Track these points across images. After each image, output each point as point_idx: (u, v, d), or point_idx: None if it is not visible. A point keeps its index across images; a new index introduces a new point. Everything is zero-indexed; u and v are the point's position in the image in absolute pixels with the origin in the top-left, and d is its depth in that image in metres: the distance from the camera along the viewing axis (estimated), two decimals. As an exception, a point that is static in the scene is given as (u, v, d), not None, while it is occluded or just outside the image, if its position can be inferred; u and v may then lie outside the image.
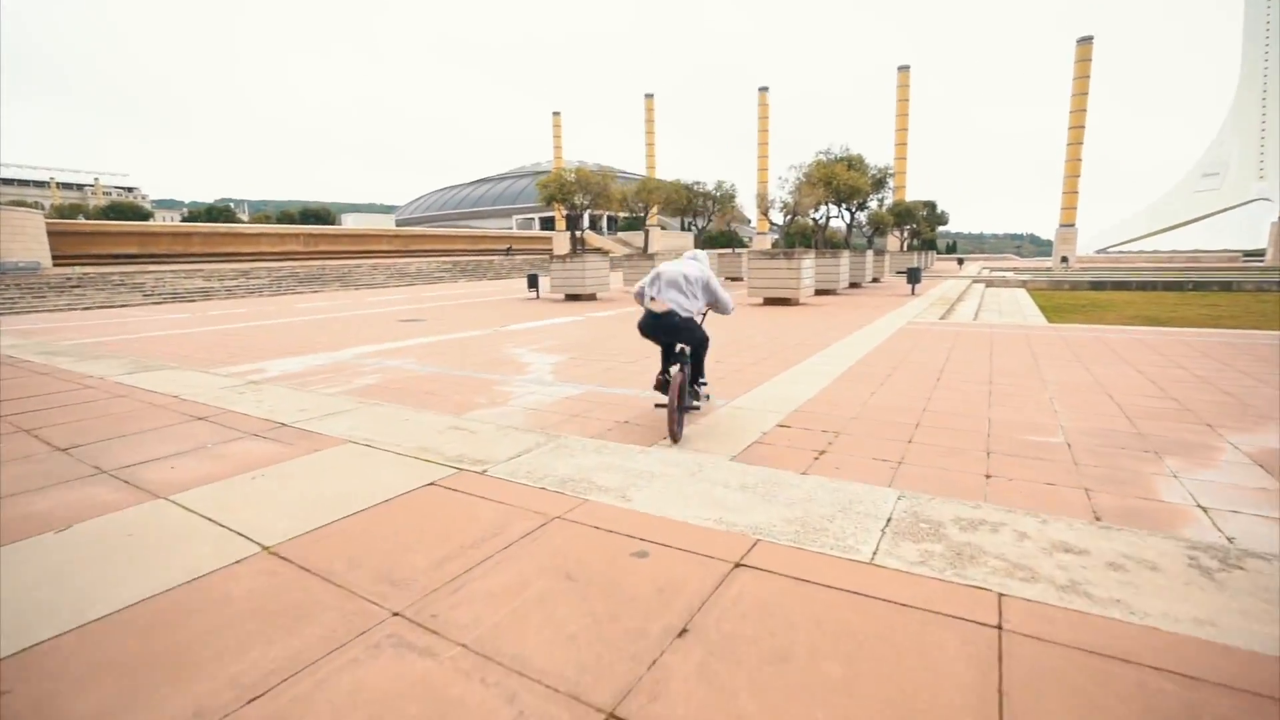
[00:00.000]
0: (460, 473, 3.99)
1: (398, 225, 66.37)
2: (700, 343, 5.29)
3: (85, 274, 25.01)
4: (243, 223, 58.77)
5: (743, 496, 3.53)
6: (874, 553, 2.95)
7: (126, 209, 55.86)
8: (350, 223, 57.94)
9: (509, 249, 59.58)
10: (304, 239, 40.79)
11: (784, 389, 6.78)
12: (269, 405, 6.00)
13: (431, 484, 3.85)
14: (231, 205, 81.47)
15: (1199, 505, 3.65)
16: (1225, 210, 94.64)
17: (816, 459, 4.49)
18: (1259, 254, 63.27)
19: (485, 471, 3.97)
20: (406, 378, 7.81)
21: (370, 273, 37.17)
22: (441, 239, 52.51)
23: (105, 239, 31.76)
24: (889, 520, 3.26)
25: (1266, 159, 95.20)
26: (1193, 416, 5.56)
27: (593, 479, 3.80)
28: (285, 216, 64.30)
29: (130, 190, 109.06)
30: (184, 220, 59.06)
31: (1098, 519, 3.44)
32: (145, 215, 57.72)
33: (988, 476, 4.09)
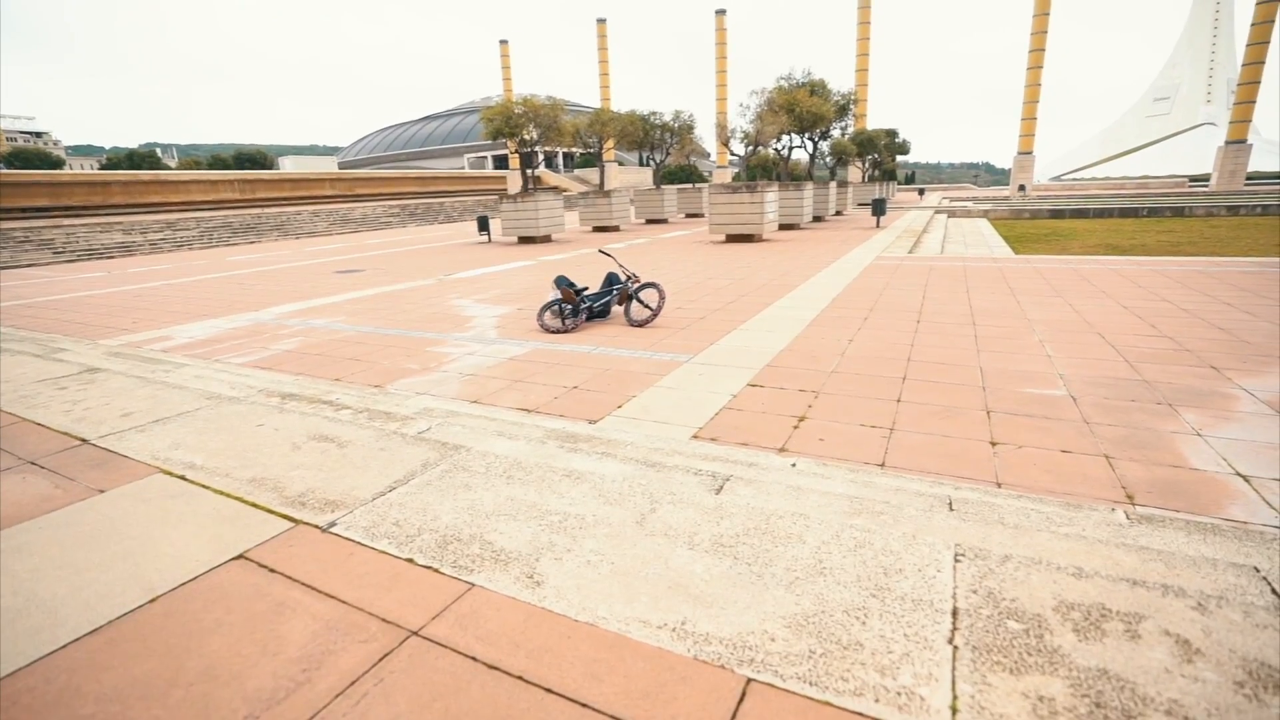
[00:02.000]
0: (294, 529, 2.72)
1: (341, 168, 62.94)
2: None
3: (-14, 229, 22.80)
4: (170, 169, 54.88)
5: (718, 566, 2.32)
6: (953, 708, 1.73)
7: (33, 156, 51.38)
8: (289, 167, 54.56)
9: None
10: (238, 185, 38.08)
11: (753, 339, 6.14)
12: (86, 407, 4.50)
13: (240, 556, 2.56)
14: (158, 151, 75.71)
15: (1238, 473, 3.14)
16: (1174, 135, 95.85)
17: (796, 428, 3.88)
18: (1204, 179, 64.37)
19: (332, 526, 2.70)
20: (330, 340, 6.94)
21: (311, 220, 35.11)
22: (388, 181, 49.88)
23: (8, 191, 28.98)
24: (955, 614, 2.05)
25: (1214, 82, 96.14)
26: (1193, 358, 5.10)
27: (490, 535, 2.57)
28: (218, 161, 60.19)
29: (39, 135, 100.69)
30: (103, 168, 54.71)
31: (1132, 500, 2.90)
32: (56, 163, 53.16)
33: (994, 444, 3.53)
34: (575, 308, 6.98)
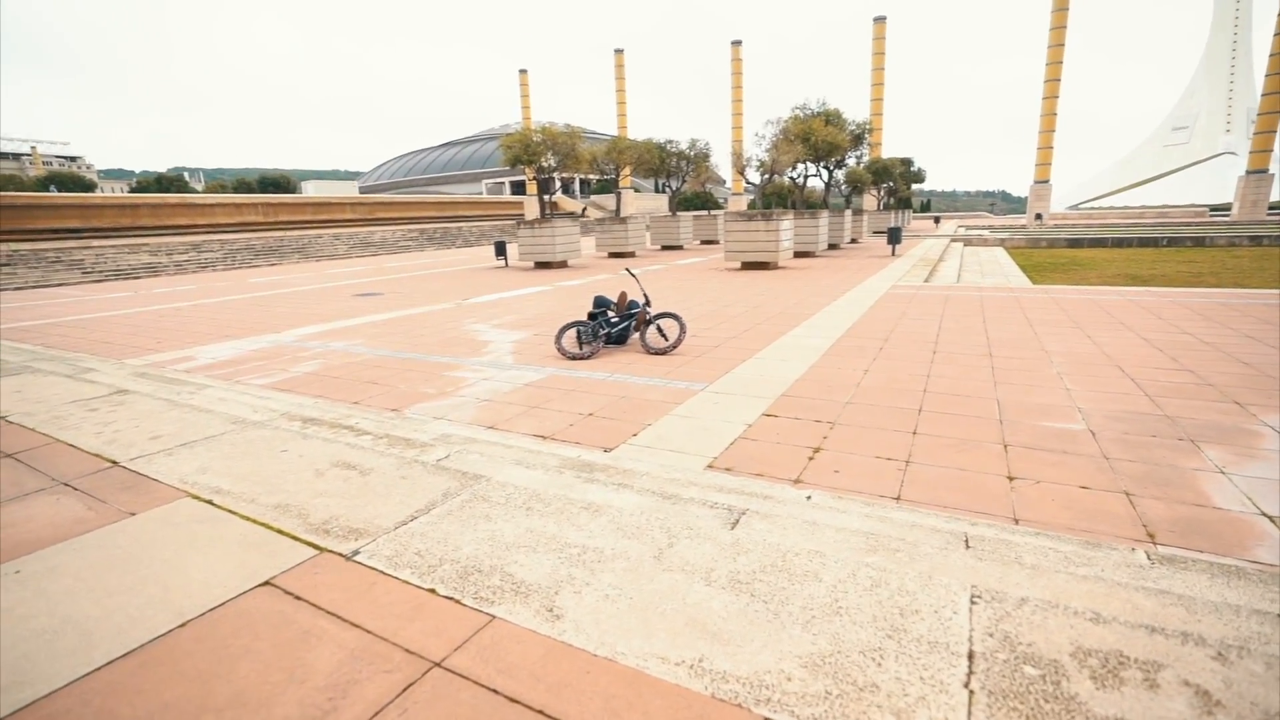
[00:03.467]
0: (319, 556, 2.74)
1: (361, 192, 64.17)
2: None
3: (16, 250, 23.44)
4: (196, 192, 56.19)
5: (735, 603, 2.32)
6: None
7: (67, 179, 52.86)
8: (312, 190, 55.66)
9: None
10: (262, 208, 38.92)
11: (768, 368, 6.15)
12: (116, 429, 4.54)
13: (267, 583, 2.58)
14: (185, 175, 77.24)
15: (1263, 513, 3.10)
16: (1193, 165, 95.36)
17: (811, 459, 3.88)
18: (1225, 208, 63.87)
19: (356, 554, 2.72)
20: (349, 363, 7.04)
21: (332, 243, 35.74)
22: (407, 206, 50.75)
23: (41, 213, 29.81)
24: (971, 658, 2.06)
25: (1234, 111, 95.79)
26: (1215, 392, 5.05)
27: (511, 567, 2.58)
28: (242, 185, 61.53)
29: (73, 160, 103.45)
30: (132, 191, 56.15)
31: (1153, 539, 2.87)
32: (88, 186, 54.61)
33: (1011, 479, 3.51)
34: (594, 330, 7.02)
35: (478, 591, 2.43)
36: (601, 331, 7.08)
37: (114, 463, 3.92)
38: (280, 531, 2.93)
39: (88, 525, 3.12)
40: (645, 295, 7.56)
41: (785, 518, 2.77)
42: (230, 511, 3.14)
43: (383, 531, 2.84)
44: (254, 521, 3.02)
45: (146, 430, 4.41)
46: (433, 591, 2.45)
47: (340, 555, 2.72)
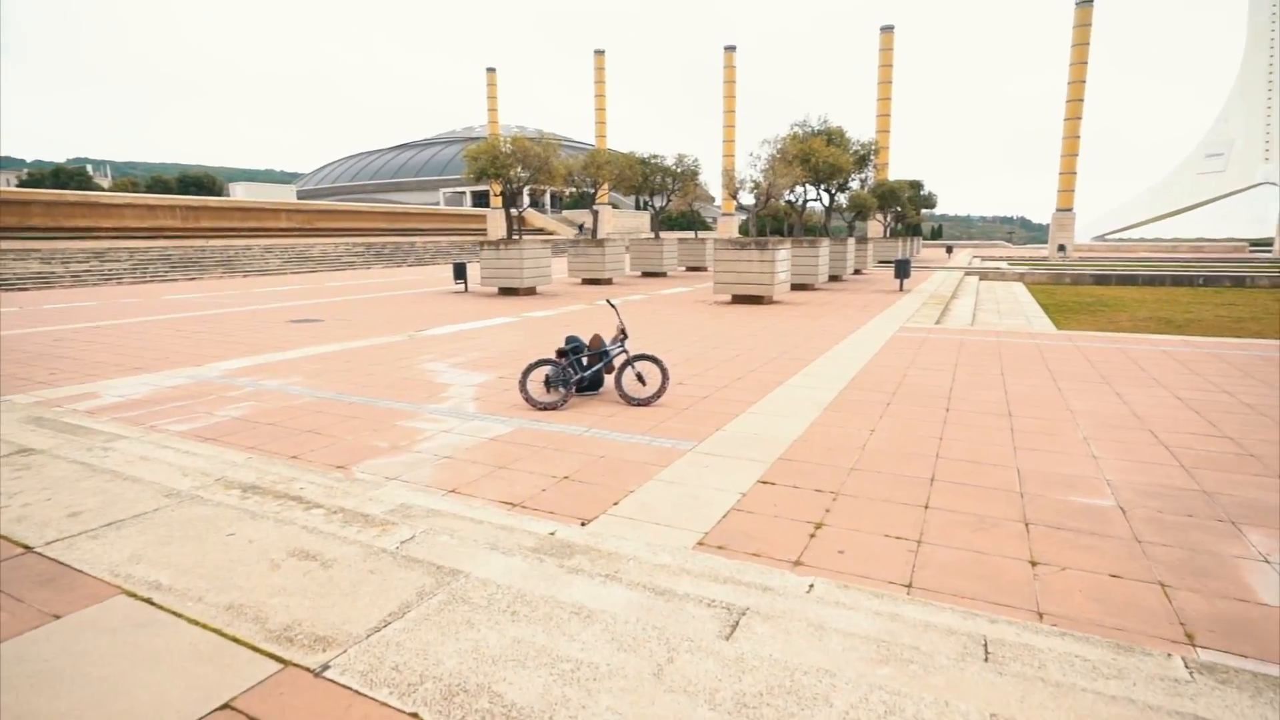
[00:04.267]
0: (284, 671, 2.64)
1: (300, 197, 64.04)
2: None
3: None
4: (101, 189, 55.55)
5: None
6: None
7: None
8: (241, 193, 55.52)
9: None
10: (181, 212, 38.60)
11: (764, 425, 6.26)
12: (25, 503, 4.26)
13: (226, 706, 2.47)
14: (89, 168, 75.61)
15: (1308, 610, 3.23)
16: (1230, 195, 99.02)
17: (813, 536, 3.96)
18: (1266, 244, 66.20)
19: (326, 668, 2.64)
20: (285, 407, 7.01)
21: (263, 256, 35.55)
22: (353, 215, 50.79)
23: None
24: None
25: (1272, 138, 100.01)
26: (1259, 464, 5.24)
27: (499, 686, 2.53)
28: (158, 184, 61.01)
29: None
30: (22, 185, 55.24)
31: (1192, 640, 2.97)
32: (-38, 177, 53.56)
33: (1033, 564, 3.61)
34: (564, 375, 6.99)
35: (465, 716, 2.41)
36: (574, 376, 7.09)
37: (27, 548, 3.74)
38: (237, 640, 2.84)
39: (3, 632, 2.96)
40: (623, 329, 7.51)
41: (788, 618, 2.83)
42: (175, 614, 3.03)
43: (354, 640, 2.80)
44: (204, 627, 2.94)
45: (62, 504, 4.24)
46: (415, 716, 2.43)
47: (309, 670, 2.66)
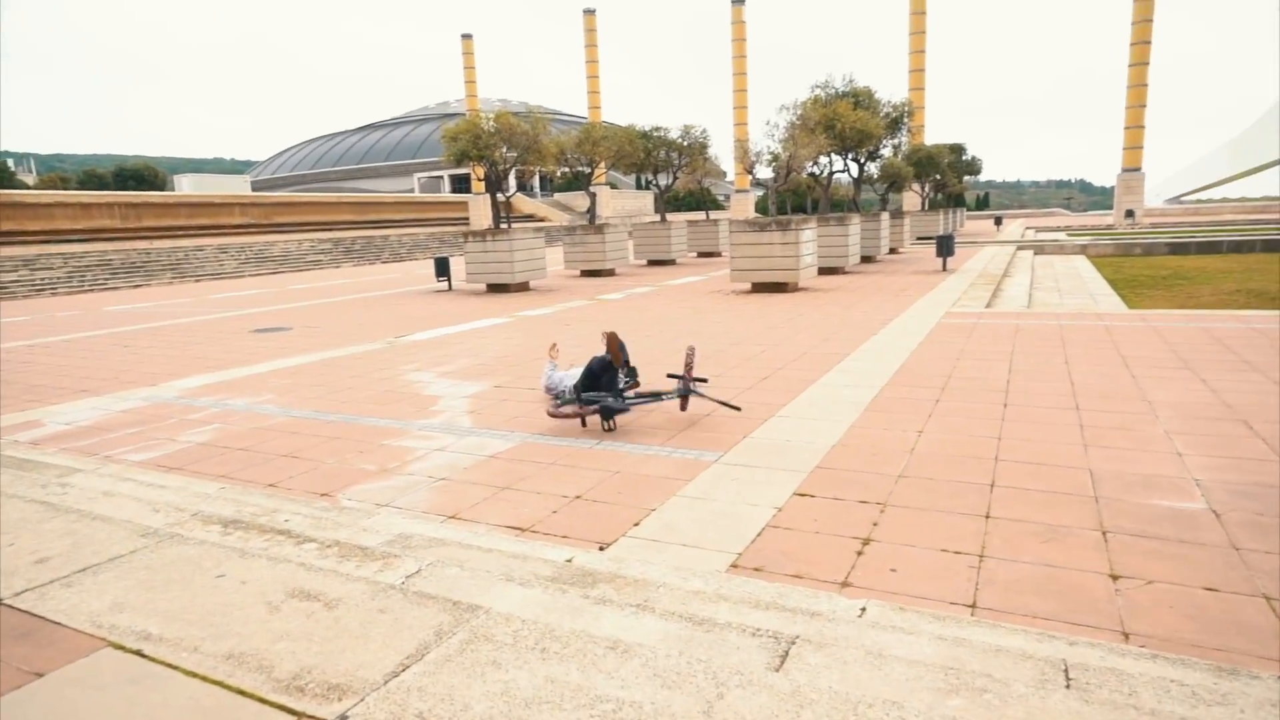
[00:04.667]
0: None
1: (256, 189, 64.35)
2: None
3: None
4: (27, 187, 55.90)
5: None
6: None
7: None
8: (188, 187, 55.81)
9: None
10: (121, 210, 38.82)
11: (797, 430, 6.32)
12: None
13: None
14: (10, 163, 75.32)
15: None
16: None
17: (861, 554, 4.02)
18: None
19: (345, 719, 2.66)
20: (257, 429, 7.11)
21: (216, 258, 35.81)
22: (317, 207, 51.08)
23: None
24: None
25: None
26: (1364, 456, 5.27)
27: None
28: (92, 178, 61.35)
29: None
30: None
31: (1297, 657, 3.01)
32: None
33: (1114, 578, 3.66)
34: (609, 407, 6.50)
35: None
36: (620, 406, 6.53)
37: (-9, 604, 3.73)
38: (242, 692, 2.86)
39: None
40: (691, 359, 6.97)
41: (842, 645, 2.88)
42: (170, 666, 3.06)
43: (372, 687, 2.82)
44: (204, 679, 2.96)
45: (26, 550, 4.26)
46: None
47: (323, 723, 2.67)
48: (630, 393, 6.90)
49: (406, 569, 3.71)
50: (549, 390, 7.40)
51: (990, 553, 3.98)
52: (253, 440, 6.74)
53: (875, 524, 4.40)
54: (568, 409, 6.52)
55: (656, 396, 6.88)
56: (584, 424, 6.66)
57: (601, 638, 3.00)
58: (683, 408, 6.89)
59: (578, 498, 4.99)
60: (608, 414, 6.50)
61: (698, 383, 6.91)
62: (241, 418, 7.59)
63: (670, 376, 7.09)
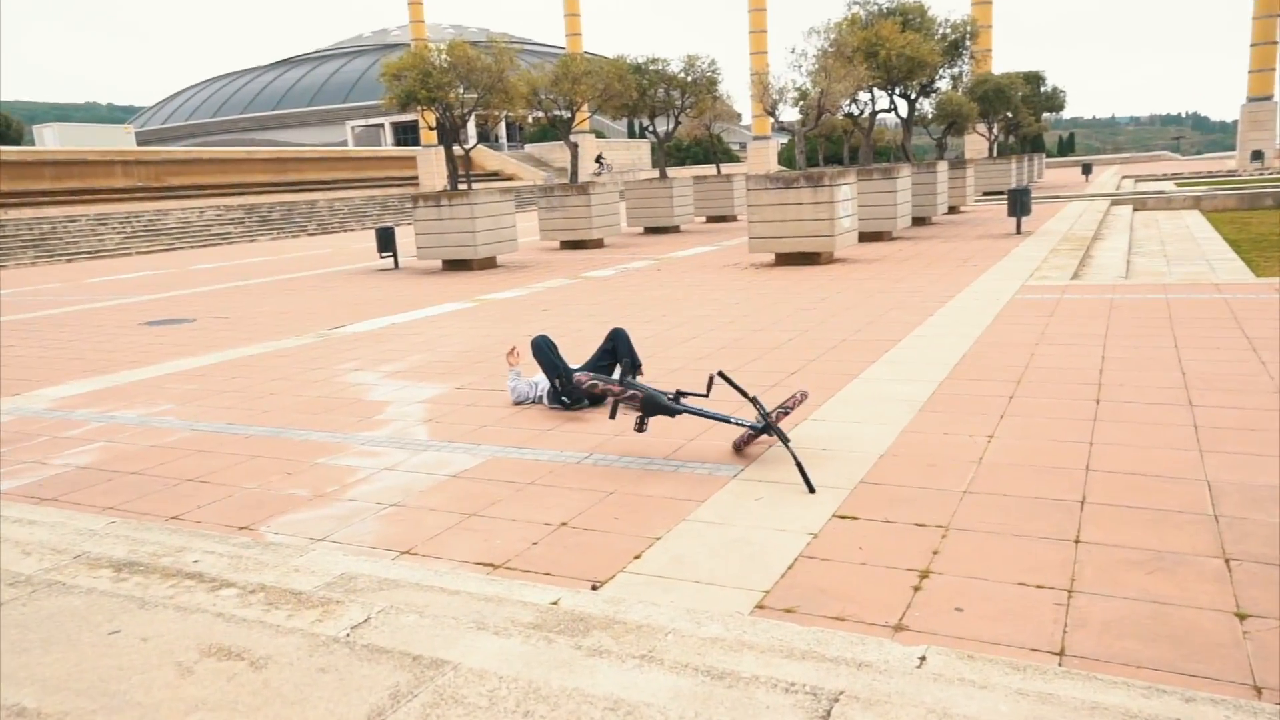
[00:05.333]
0: None
1: (143, 143, 64.25)
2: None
3: None
4: None
5: None
6: None
7: None
8: (52, 140, 55.66)
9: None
10: (-33, 173, 38.70)
11: (835, 434, 6.37)
12: None
13: None
14: None
15: None
16: None
17: (918, 589, 4.06)
18: None
19: None
20: (153, 447, 7.14)
21: (93, 230, 35.79)
22: (222, 165, 51.08)
23: None
24: None
25: None
26: None
27: None
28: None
29: None
30: None
31: None
32: None
33: (1241, 617, 3.70)
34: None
35: None
36: (672, 405, 6.18)
37: None
38: None
39: None
40: (797, 404, 6.44)
41: (897, 703, 2.90)
42: None
43: None
44: None
45: None
46: None
47: None
48: (688, 400, 6.29)
49: (352, 618, 3.73)
50: (518, 403, 7.79)
51: (1082, 586, 4.02)
52: (149, 461, 6.76)
53: (935, 552, 4.43)
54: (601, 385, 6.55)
55: (723, 419, 6.22)
56: (613, 415, 6.44)
57: (598, 697, 3.03)
58: (740, 448, 6.22)
59: (563, 525, 5.02)
60: (650, 411, 6.10)
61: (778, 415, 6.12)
62: (133, 434, 7.61)
63: (761, 416, 5.99)
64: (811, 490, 5.31)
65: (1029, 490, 5.18)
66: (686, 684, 3.09)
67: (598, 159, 65.15)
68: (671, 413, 6.08)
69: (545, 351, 7.53)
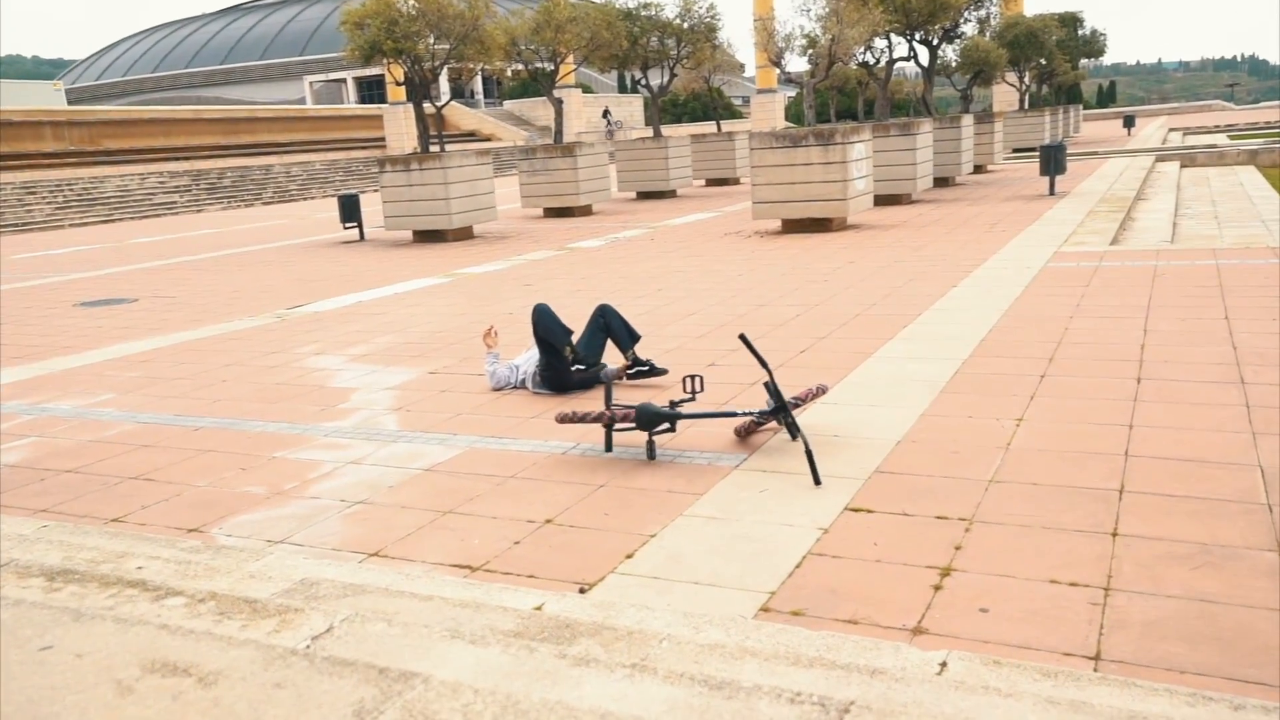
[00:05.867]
0: None
1: (73, 102, 63.87)
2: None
3: None
4: None
5: None
6: None
7: None
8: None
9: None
10: None
11: (846, 419, 6.39)
12: None
13: None
14: None
15: None
16: None
17: (939, 588, 4.07)
18: None
19: None
20: (92, 442, 7.14)
21: (20, 200, 35.63)
22: (166, 126, 50.80)
23: None
24: None
25: None
26: None
27: None
28: None
29: None
30: None
31: None
32: None
33: (1298, 619, 3.73)
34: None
35: None
36: (671, 414, 6.06)
37: None
38: None
39: None
40: (816, 396, 6.55)
41: (915, 713, 2.91)
42: None
43: None
44: None
45: None
46: None
47: None
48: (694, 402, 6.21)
49: (313, 627, 3.74)
50: (498, 389, 7.82)
51: (1120, 584, 4.03)
52: (86, 458, 6.75)
53: (958, 548, 4.45)
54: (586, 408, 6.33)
55: (730, 414, 6.28)
56: (609, 447, 6.15)
57: (584, 711, 3.04)
58: (743, 435, 6.28)
59: (548, 522, 5.03)
60: (647, 426, 5.93)
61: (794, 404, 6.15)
62: (68, 427, 7.60)
63: (772, 397, 5.99)
64: (818, 482, 5.31)
65: (1062, 479, 5.20)
66: (682, 695, 3.11)
67: (605, 114, 64.91)
68: (673, 422, 5.98)
69: (550, 319, 7.54)
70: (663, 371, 7.73)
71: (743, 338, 6.21)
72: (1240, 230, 16.92)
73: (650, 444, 5.95)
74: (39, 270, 20.28)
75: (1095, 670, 3.43)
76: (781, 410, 5.84)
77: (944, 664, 3.35)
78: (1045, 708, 3.00)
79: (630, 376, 7.72)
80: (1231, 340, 7.89)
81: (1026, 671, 3.30)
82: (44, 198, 36.28)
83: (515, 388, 7.74)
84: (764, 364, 5.95)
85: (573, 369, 7.53)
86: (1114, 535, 4.48)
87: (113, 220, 35.22)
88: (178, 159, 46.72)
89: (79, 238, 29.02)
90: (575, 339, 7.65)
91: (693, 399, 6.07)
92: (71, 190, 37.89)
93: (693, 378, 6.10)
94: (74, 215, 35.10)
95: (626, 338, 7.83)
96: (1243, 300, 9.38)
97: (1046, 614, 3.84)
